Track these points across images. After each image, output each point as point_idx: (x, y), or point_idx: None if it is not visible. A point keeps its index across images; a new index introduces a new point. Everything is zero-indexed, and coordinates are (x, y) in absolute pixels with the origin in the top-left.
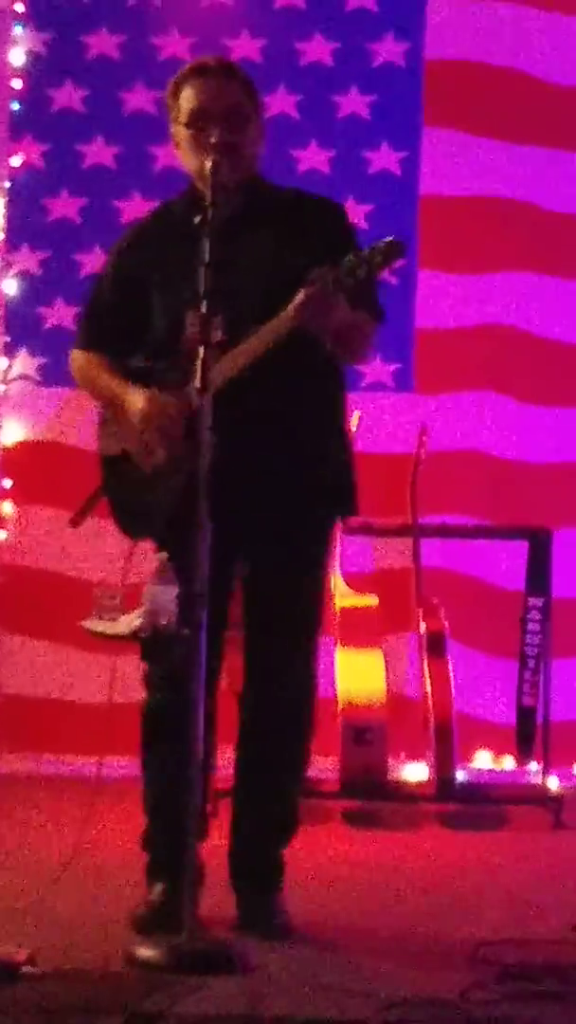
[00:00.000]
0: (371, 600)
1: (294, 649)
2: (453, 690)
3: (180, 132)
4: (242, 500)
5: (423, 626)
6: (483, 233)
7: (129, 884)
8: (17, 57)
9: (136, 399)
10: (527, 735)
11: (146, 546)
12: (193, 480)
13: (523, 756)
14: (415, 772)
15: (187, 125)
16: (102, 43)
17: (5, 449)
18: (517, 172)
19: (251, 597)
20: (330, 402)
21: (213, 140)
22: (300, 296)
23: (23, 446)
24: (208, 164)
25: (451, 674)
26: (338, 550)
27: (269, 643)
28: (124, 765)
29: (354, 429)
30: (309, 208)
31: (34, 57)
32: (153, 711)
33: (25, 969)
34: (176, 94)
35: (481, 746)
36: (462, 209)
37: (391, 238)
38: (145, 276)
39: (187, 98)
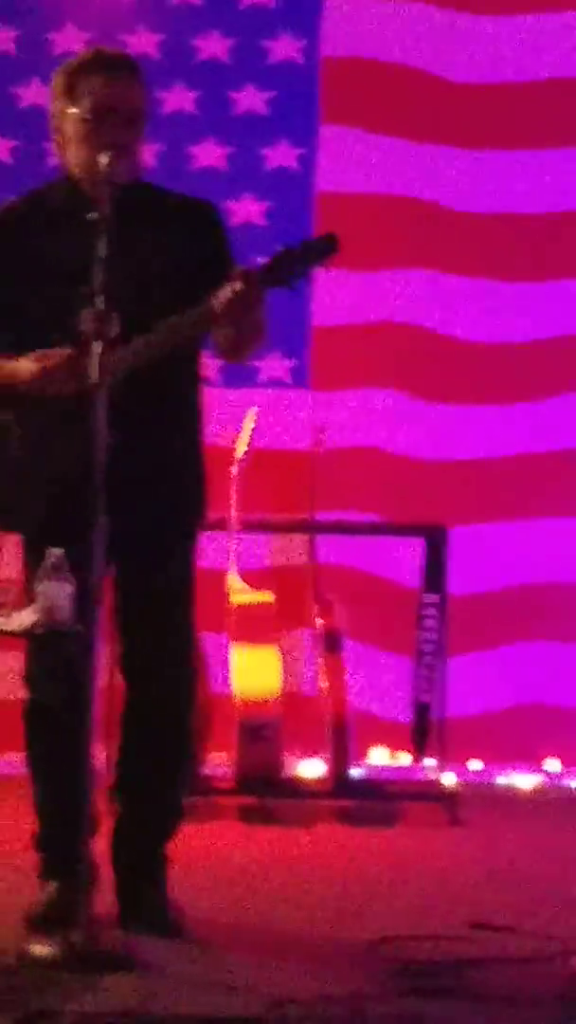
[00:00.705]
0: (267, 597)
1: (165, 647)
2: (349, 687)
3: (74, 122)
4: (107, 500)
5: (319, 623)
6: (380, 230)
7: (21, 882)
8: None
9: (24, 362)
10: (423, 731)
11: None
12: (80, 474)
13: (419, 752)
14: (311, 768)
15: (87, 118)
16: None
17: None
18: (415, 169)
19: (119, 597)
20: (189, 403)
21: (112, 138)
22: (228, 291)
23: None
24: (104, 161)
25: (347, 671)
26: (233, 547)
27: (139, 643)
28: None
29: (251, 426)
30: (187, 210)
31: None
32: (36, 709)
33: None
34: (74, 82)
35: (377, 742)
36: (359, 206)
37: (327, 234)
38: (19, 268)
39: (91, 90)
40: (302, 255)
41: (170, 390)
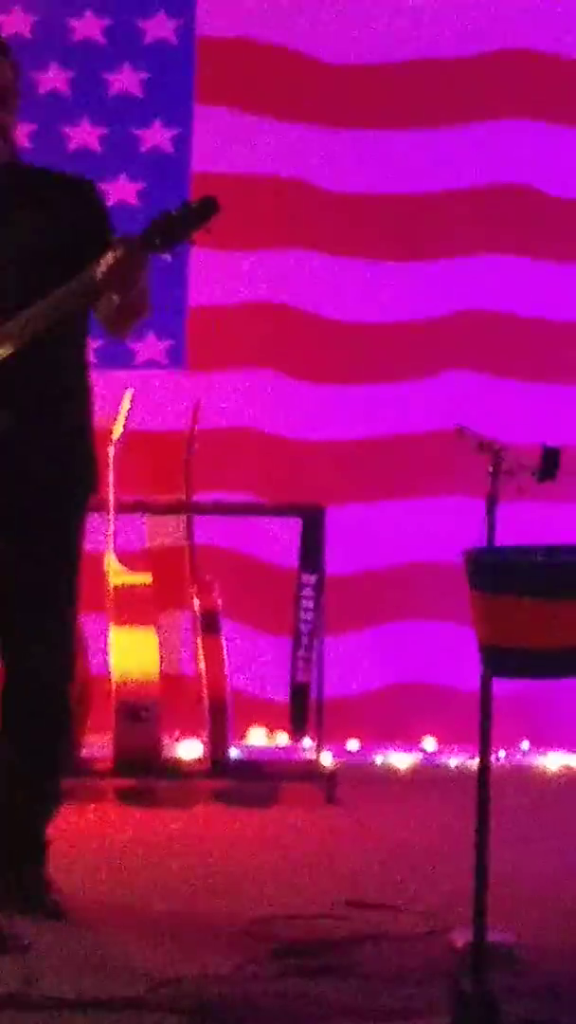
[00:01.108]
0: (144, 578)
1: (44, 628)
2: (227, 667)
3: None
4: None
5: (197, 604)
6: (255, 211)
7: None
8: None
9: None
10: (300, 712)
11: None
12: None
13: (296, 732)
14: (189, 750)
15: None
16: None
17: None
18: (290, 150)
19: (1, 576)
20: (77, 383)
21: None
22: (109, 258)
23: None
24: None
25: (225, 651)
26: (111, 528)
27: (18, 623)
28: None
29: (127, 407)
30: (66, 187)
31: None
32: None
33: None
34: None
35: (255, 723)
36: (234, 186)
37: (205, 197)
38: None
39: None
40: (181, 219)
41: (59, 370)
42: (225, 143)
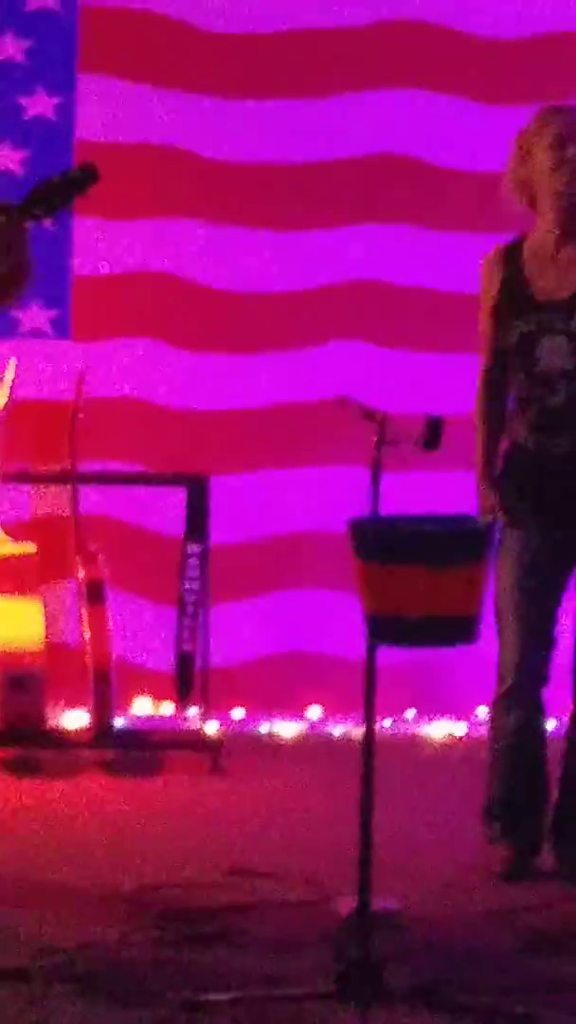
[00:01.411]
0: (28, 548)
1: None
2: (112, 637)
3: None
4: None
5: (82, 573)
6: (140, 180)
7: None
8: None
9: None
10: (186, 681)
11: None
12: None
13: (182, 702)
14: (74, 719)
15: None
16: None
17: None
18: (175, 119)
19: None
20: None
21: None
22: None
23: None
24: None
25: (110, 621)
26: None
27: None
28: None
29: (11, 377)
30: None
31: None
32: None
33: None
34: None
35: (140, 692)
36: (119, 156)
37: (84, 163)
38: None
39: None
40: (60, 186)
41: None
42: (109, 112)
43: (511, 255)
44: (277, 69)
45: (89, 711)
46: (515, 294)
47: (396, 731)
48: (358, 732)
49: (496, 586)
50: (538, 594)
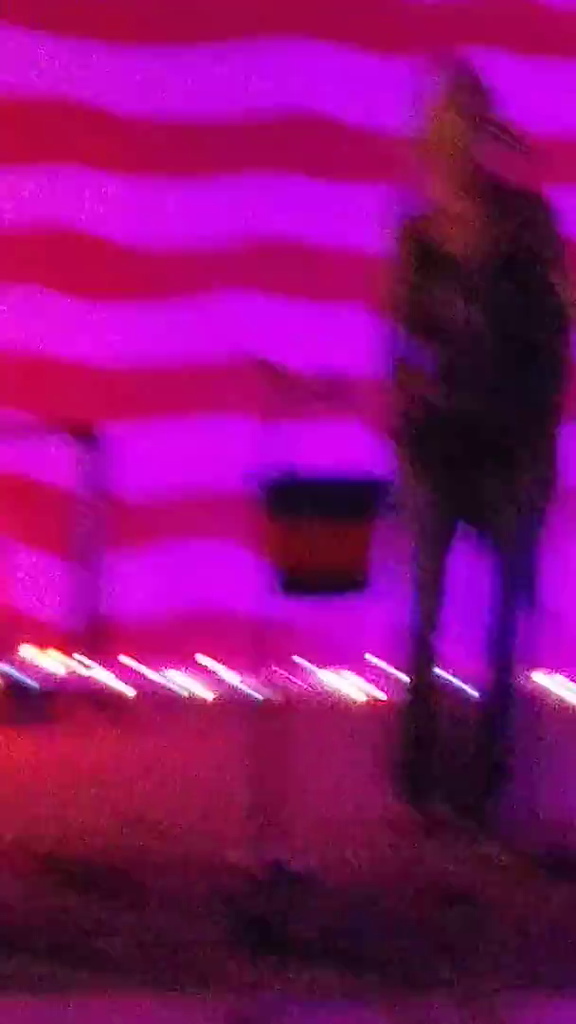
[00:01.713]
0: None
1: None
2: (5, 589)
3: None
4: None
5: None
6: (36, 130)
7: None
8: None
9: None
10: (86, 635)
11: None
12: None
13: (79, 654)
14: None
15: None
16: None
17: None
18: (73, 70)
19: None
20: None
21: None
22: None
23: None
24: None
25: (3, 573)
26: None
27: None
28: None
29: None
30: None
31: None
32: None
33: None
34: None
35: (35, 644)
36: (14, 106)
37: None
38: None
39: None
40: None
41: None
42: (5, 61)
43: (414, 217)
44: (177, 20)
45: None
46: (420, 257)
47: (295, 684)
48: (255, 684)
49: (397, 539)
50: (434, 545)
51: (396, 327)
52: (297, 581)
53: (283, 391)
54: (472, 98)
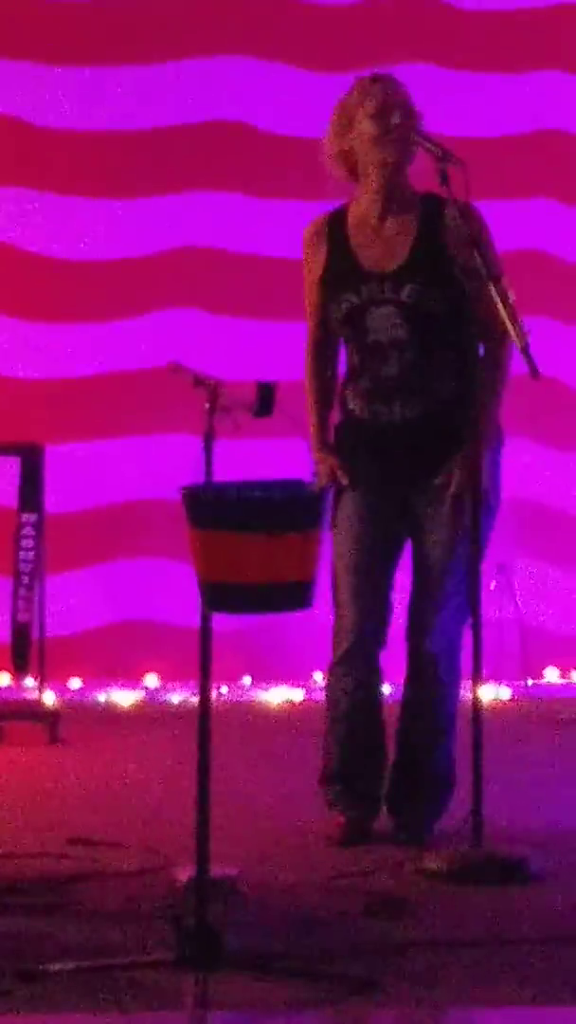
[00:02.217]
0: None
1: None
2: None
3: None
4: None
5: None
6: None
7: None
8: None
9: None
10: (22, 651)
11: None
12: None
13: (19, 672)
14: None
15: None
16: None
17: None
18: (5, 87)
19: None
20: None
21: None
22: None
23: None
24: None
25: None
26: None
27: None
28: None
29: None
30: None
31: None
32: None
33: None
34: None
35: None
36: None
37: None
38: None
39: None
40: None
41: None
42: None
43: (333, 226)
44: (107, 36)
45: None
46: (341, 265)
47: (233, 698)
48: (195, 699)
49: (332, 551)
50: (373, 558)
51: (318, 337)
52: (222, 595)
53: (216, 403)
54: (400, 111)
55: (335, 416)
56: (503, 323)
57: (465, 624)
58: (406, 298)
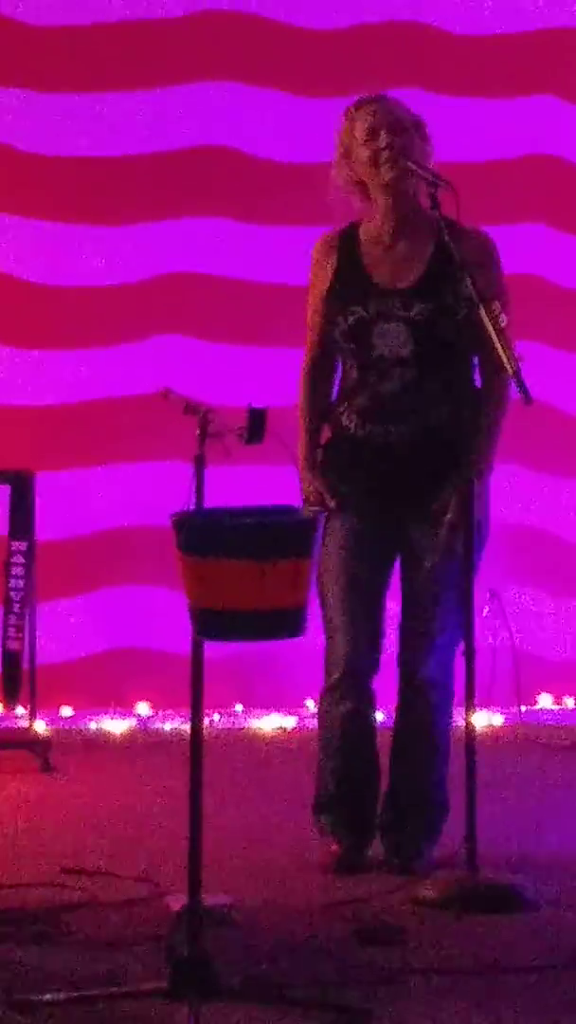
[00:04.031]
0: None
1: None
2: None
3: None
4: None
5: None
6: None
7: None
8: None
9: None
10: (13, 679)
11: None
12: None
13: (9, 700)
14: None
15: None
16: None
17: None
18: None
19: None
20: None
21: None
22: None
23: None
24: None
25: None
26: None
27: None
28: None
29: None
30: None
31: None
32: None
33: None
34: None
35: None
36: None
37: None
38: None
39: None
40: None
41: None
42: None
43: (345, 241)
44: (94, 62)
45: None
46: (351, 278)
47: (225, 725)
48: (187, 727)
49: (321, 576)
50: (365, 583)
51: (317, 355)
52: (213, 622)
53: (206, 429)
54: (387, 130)
55: (325, 435)
56: (493, 347)
57: (457, 650)
58: (416, 316)
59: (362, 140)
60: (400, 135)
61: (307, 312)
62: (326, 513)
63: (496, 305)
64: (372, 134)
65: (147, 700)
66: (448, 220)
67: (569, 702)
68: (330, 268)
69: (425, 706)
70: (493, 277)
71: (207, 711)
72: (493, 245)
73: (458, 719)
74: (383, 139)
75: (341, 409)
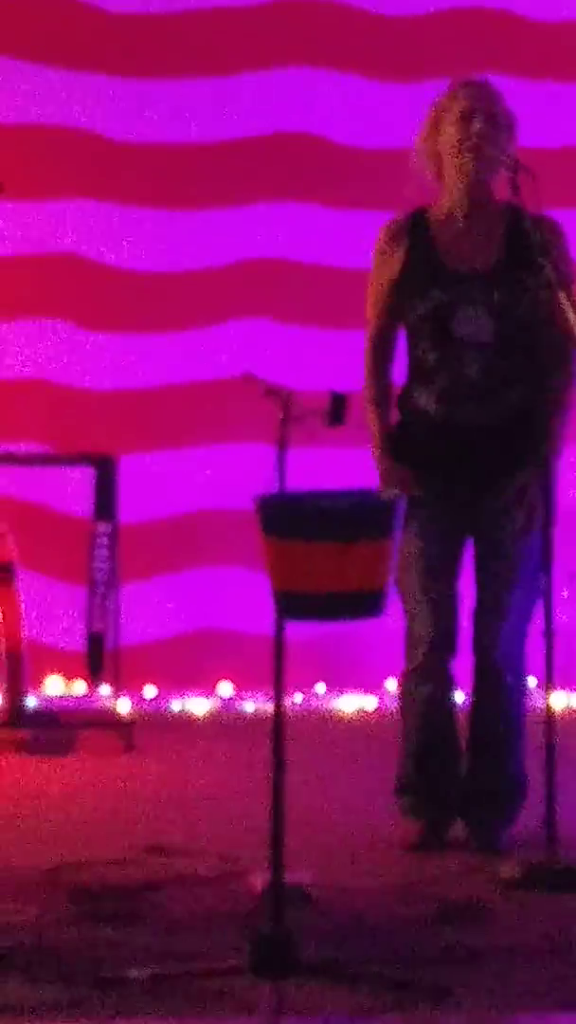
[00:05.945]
0: None
1: None
2: (23, 618)
3: None
4: None
5: None
6: (44, 161)
7: None
8: None
9: None
10: (97, 660)
11: None
12: None
13: (94, 681)
14: None
15: None
16: None
17: None
18: (78, 100)
19: None
20: None
21: None
22: None
23: None
24: None
25: (20, 602)
26: None
27: None
28: None
29: None
30: None
31: None
32: None
33: None
34: None
35: (52, 672)
36: (22, 137)
37: None
38: None
39: None
40: None
41: None
42: (10, 93)
43: (415, 226)
44: (177, 49)
45: (1, 692)
46: (426, 263)
47: (307, 706)
48: (269, 708)
49: (400, 559)
50: (442, 567)
51: (381, 339)
52: (296, 603)
53: (288, 412)
54: (483, 117)
55: (394, 417)
56: (571, 330)
57: (533, 631)
58: (497, 300)
59: (455, 120)
60: (492, 125)
61: (368, 298)
62: (406, 496)
63: (574, 290)
64: (466, 116)
65: (229, 680)
66: (517, 206)
67: None
68: (399, 255)
69: (499, 687)
70: (568, 262)
71: (288, 691)
72: (563, 231)
73: (537, 700)
74: (475, 125)
75: (416, 391)
